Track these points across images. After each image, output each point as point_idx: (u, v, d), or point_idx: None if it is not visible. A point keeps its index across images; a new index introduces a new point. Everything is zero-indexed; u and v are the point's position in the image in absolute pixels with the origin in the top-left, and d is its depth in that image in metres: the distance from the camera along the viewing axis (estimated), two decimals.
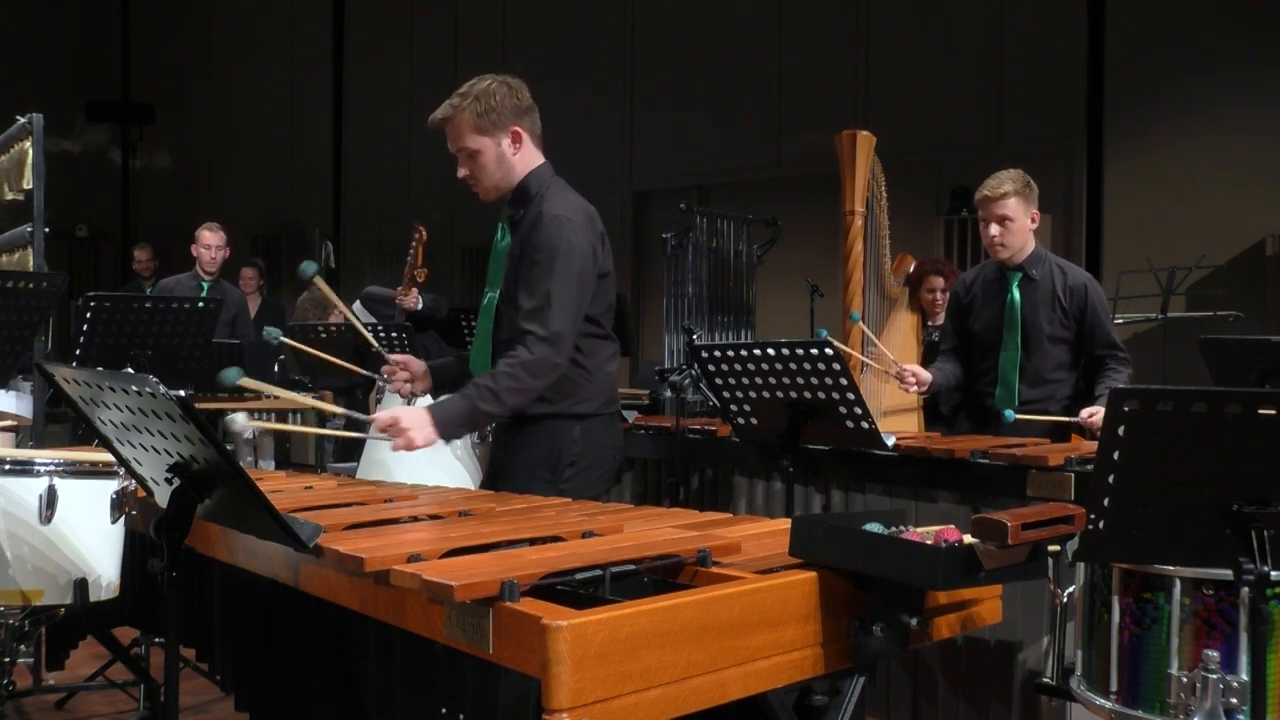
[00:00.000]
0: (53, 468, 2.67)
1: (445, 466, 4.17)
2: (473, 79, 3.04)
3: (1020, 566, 1.84)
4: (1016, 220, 3.96)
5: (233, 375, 2.65)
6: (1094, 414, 3.79)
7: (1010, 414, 3.83)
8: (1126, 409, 1.89)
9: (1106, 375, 3.96)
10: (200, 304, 4.70)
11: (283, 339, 3.01)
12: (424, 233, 5.14)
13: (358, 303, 6.08)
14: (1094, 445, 2.59)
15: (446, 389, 3.20)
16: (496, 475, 3.06)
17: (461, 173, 3.03)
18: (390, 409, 2.85)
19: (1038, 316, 3.99)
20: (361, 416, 2.90)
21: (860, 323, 4.52)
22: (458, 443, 4.24)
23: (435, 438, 2.82)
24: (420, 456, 4.21)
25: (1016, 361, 4.00)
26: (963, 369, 4.26)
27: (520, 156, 3.02)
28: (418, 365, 3.16)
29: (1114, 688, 2.26)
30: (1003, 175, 4.01)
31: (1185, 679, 2.14)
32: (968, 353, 4.22)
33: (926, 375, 4.07)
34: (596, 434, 3.00)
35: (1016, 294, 4.01)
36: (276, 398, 2.97)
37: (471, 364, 3.12)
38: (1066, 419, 3.89)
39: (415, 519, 2.33)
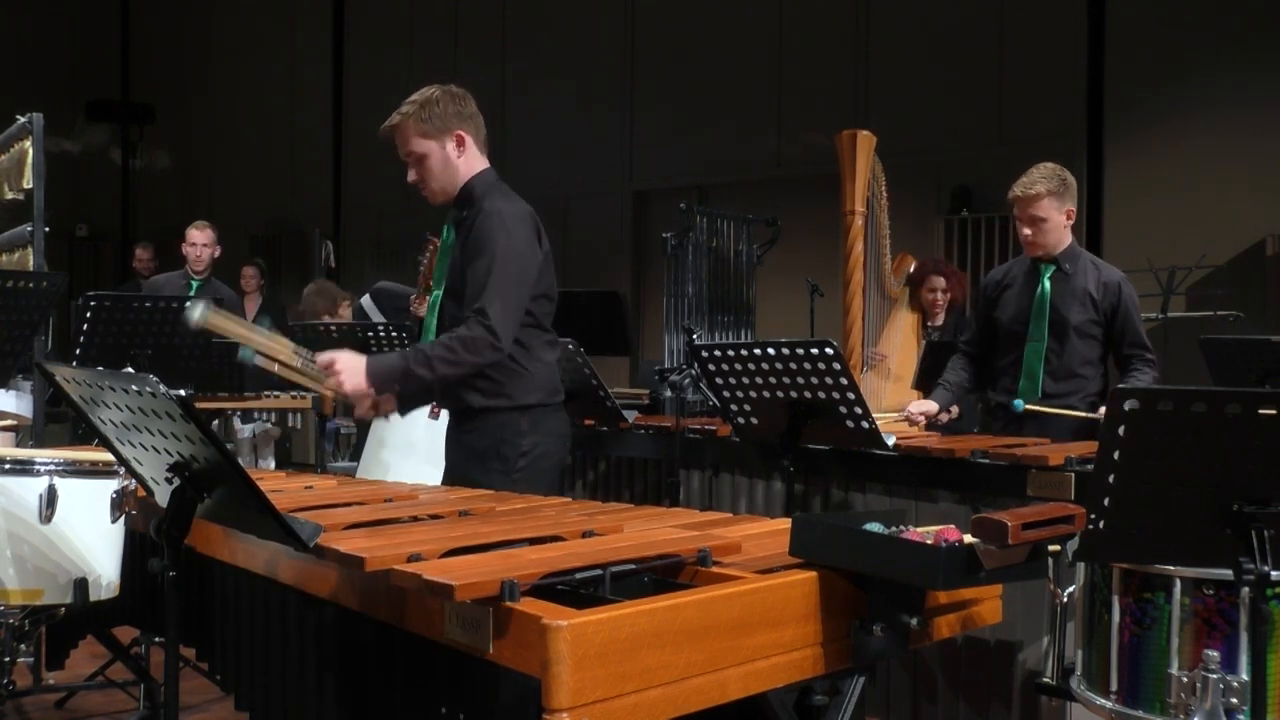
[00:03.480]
0: (53, 467, 2.67)
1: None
2: (420, 90, 3.16)
3: (1020, 566, 1.84)
4: (1050, 220, 3.94)
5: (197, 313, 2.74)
6: None
7: (1019, 403, 3.80)
8: (1127, 409, 1.89)
9: (1131, 375, 3.93)
10: None
11: (256, 361, 3.05)
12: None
13: (366, 297, 6.06)
14: (1094, 445, 2.59)
15: (416, 399, 3.35)
16: (455, 471, 3.17)
17: (411, 177, 3.18)
18: (331, 353, 2.97)
19: (1068, 309, 3.96)
20: (311, 359, 2.99)
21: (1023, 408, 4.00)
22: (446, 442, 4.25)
23: (364, 386, 2.96)
24: (420, 456, 4.25)
25: (1042, 353, 3.98)
26: (977, 368, 4.24)
27: (464, 159, 3.16)
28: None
29: (1114, 688, 2.25)
30: (1036, 174, 3.97)
31: (1185, 679, 2.13)
32: (988, 348, 4.19)
33: (931, 405, 4.09)
34: (545, 424, 3.13)
35: (1048, 285, 4.00)
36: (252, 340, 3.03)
37: None
38: (1084, 414, 3.82)
39: (415, 519, 2.33)
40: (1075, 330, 3.95)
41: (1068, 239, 4.03)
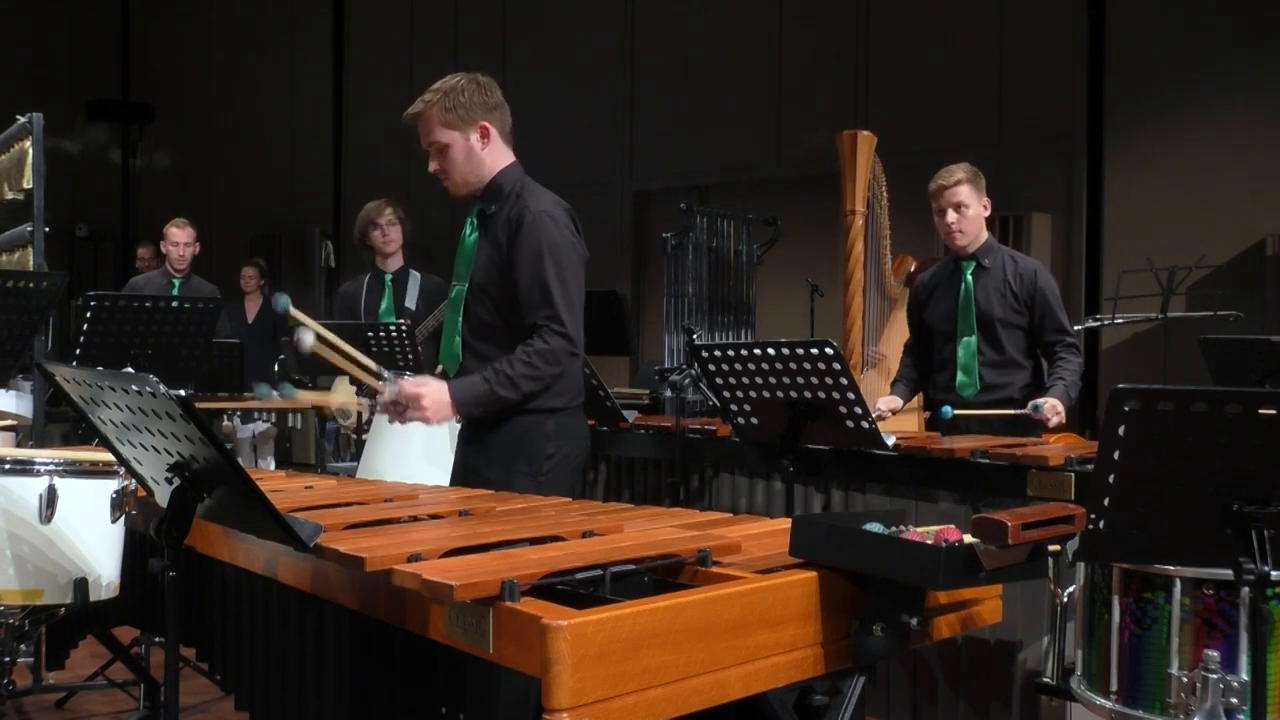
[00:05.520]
0: (53, 467, 2.67)
1: (445, 465, 4.18)
2: (445, 77, 3.12)
3: (1020, 566, 1.84)
4: (971, 207, 4.13)
5: (283, 303, 2.80)
6: (1043, 403, 3.83)
7: (948, 410, 3.90)
8: (1127, 409, 1.89)
9: (1056, 364, 4.06)
10: (201, 304, 4.70)
11: (291, 309, 2.97)
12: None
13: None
14: (1094, 445, 2.59)
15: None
16: (470, 471, 3.11)
17: (432, 167, 3.12)
18: (415, 386, 2.94)
19: (990, 303, 4.11)
20: (389, 375, 2.98)
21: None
22: (458, 441, 4.25)
23: (450, 416, 2.96)
24: (420, 455, 4.25)
25: (973, 347, 4.11)
26: (921, 368, 4.38)
27: (489, 152, 3.10)
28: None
29: (1114, 688, 2.26)
30: (952, 166, 4.18)
31: (1185, 679, 2.13)
32: (928, 348, 4.32)
33: (897, 402, 4.26)
34: (568, 427, 3.10)
35: (970, 279, 4.14)
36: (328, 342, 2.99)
37: (441, 355, 3.20)
38: (1012, 412, 3.91)
39: (415, 519, 2.33)
40: (1000, 323, 4.10)
41: (985, 234, 4.21)
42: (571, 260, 3.01)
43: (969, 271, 4.16)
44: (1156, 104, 7.31)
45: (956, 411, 3.91)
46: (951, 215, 4.13)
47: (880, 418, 4.10)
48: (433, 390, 2.92)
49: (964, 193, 4.11)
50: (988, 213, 4.20)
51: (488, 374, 2.95)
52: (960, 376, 4.12)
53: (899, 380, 4.42)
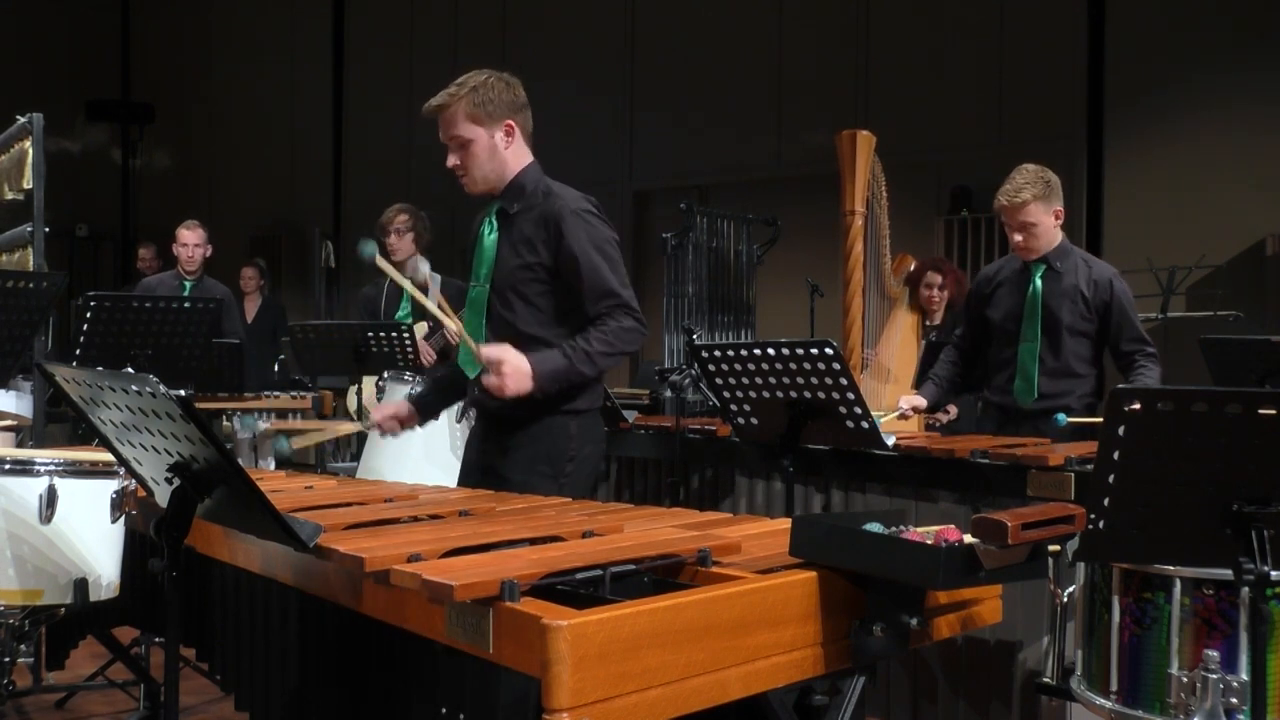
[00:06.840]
0: (53, 468, 2.67)
1: (445, 465, 4.19)
2: (471, 72, 3.09)
3: (1020, 566, 1.84)
4: (1039, 224, 3.95)
5: (370, 250, 2.90)
6: None
7: (1061, 418, 3.73)
8: (1127, 409, 1.89)
9: (1138, 373, 3.91)
10: (200, 304, 4.70)
11: (377, 257, 3.07)
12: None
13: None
14: (1094, 445, 2.59)
15: (452, 396, 3.31)
16: (490, 473, 3.08)
17: (452, 161, 3.08)
18: (497, 349, 2.89)
19: (1059, 308, 3.96)
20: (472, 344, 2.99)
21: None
22: (457, 440, 4.26)
23: (529, 389, 2.88)
24: (420, 455, 4.26)
25: (1035, 353, 3.97)
26: (965, 365, 4.26)
27: (512, 151, 3.09)
28: (403, 408, 3.28)
29: (1114, 688, 2.25)
30: (1020, 180, 3.97)
31: (1185, 679, 2.13)
32: (980, 345, 4.20)
33: (920, 401, 4.16)
34: (589, 430, 3.09)
35: (1039, 284, 4.00)
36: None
37: (460, 359, 3.18)
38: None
39: (415, 519, 2.33)
40: (1068, 329, 3.95)
41: (1058, 238, 4.03)
42: (617, 252, 3.07)
43: (1039, 274, 3.99)
44: (1156, 104, 7.31)
45: (1071, 419, 3.74)
46: (1019, 236, 3.96)
47: (903, 416, 4.06)
48: (513, 357, 2.86)
49: (1031, 212, 3.92)
50: (1060, 220, 4.00)
51: (565, 349, 2.93)
52: (1018, 382, 3.99)
53: (931, 380, 4.28)
